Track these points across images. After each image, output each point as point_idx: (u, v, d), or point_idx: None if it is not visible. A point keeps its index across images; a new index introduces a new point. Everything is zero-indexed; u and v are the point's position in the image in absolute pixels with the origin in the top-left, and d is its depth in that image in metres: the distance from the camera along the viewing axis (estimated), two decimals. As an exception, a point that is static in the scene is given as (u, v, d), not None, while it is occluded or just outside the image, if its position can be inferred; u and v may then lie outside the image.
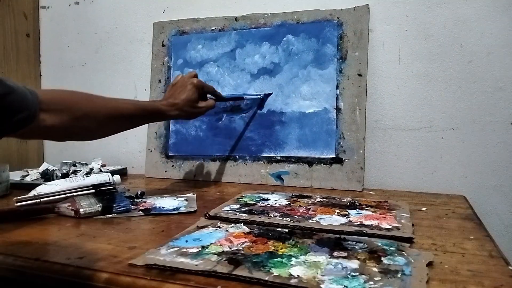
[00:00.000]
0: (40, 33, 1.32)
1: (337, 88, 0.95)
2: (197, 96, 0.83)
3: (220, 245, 0.52)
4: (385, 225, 0.60)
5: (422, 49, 0.93)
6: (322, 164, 0.93)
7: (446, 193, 0.88)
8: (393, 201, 0.76)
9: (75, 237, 0.58)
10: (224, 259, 0.46)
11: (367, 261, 0.46)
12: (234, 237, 0.54)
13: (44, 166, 1.06)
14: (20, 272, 0.49)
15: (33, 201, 0.72)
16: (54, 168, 1.04)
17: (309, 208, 0.70)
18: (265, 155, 0.99)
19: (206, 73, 1.07)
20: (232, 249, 0.50)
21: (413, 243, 0.53)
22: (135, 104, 0.75)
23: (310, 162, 0.94)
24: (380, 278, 0.41)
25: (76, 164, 1.07)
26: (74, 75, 1.28)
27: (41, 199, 0.73)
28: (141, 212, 0.71)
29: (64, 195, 0.74)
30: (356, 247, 0.51)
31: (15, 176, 1.00)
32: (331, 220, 0.63)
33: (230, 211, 0.68)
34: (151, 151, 1.10)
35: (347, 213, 0.67)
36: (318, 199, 0.78)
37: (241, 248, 0.50)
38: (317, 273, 0.43)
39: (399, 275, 0.42)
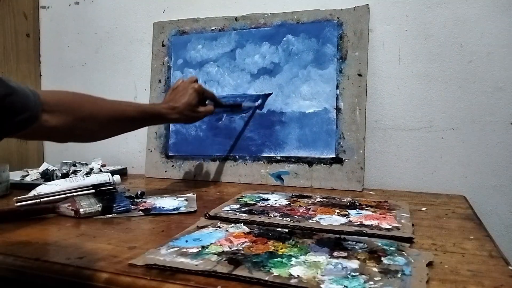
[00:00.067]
0: (40, 33, 1.32)
1: (337, 88, 0.95)
2: (197, 100, 0.84)
3: (220, 245, 0.52)
4: (385, 225, 0.60)
5: (422, 49, 0.93)
6: (322, 164, 0.93)
7: (446, 193, 0.88)
8: (393, 201, 0.76)
9: (75, 237, 0.58)
10: (224, 259, 0.46)
11: (367, 261, 0.46)
12: (234, 237, 0.54)
13: (44, 166, 1.06)
14: (20, 272, 0.49)
15: (33, 201, 0.72)
16: (54, 168, 1.04)
17: (309, 208, 0.70)
18: (265, 155, 0.99)
19: (206, 73, 1.07)
20: (232, 249, 0.50)
21: (413, 243, 0.53)
22: (136, 107, 0.75)
23: (310, 162, 0.94)
24: (380, 278, 0.41)
25: (76, 164, 1.07)
26: (74, 75, 1.28)
27: (41, 199, 0.73)
28: (141, 212, 0.71)
29: (64, 195, 0.74)
30: (356, 247, 0.51)
31: (15, 176, 1.00)
32: (331, 220, 0.63)
33: (230, 211, 0.68)
34: (151, 151, 1.10)
35: (347, 213, 0.67)
36: (318, 199, 0.78)
37: (241, 248, 0.50)
38: (317, 273, 0.43)
39: (399, 275, 0.42)
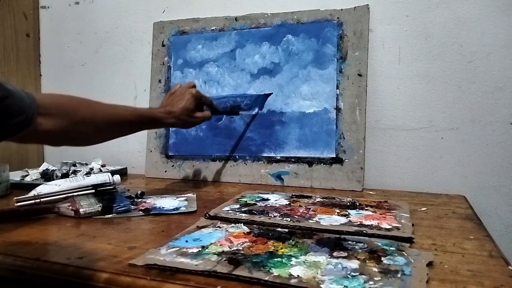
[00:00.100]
0: (40, 33, 1.32)
1: (337, 88, 0.95)
2: (194, 106, 0.84)
3: (220, 245, 0.52)
4: (385, 225, 0.60)
5: (422, 49, 0.93)
6: (322, 164, 0.93)
7: (446, 193, 0.88)
8: (393, 201, 0.76)
9: (75, 237, 0.58)
10: (224, 259, 0.46)
11: (367, 261, 0.46)
12: (234, 237, 0.54)
13: (44, 166, 1.06)
14: (20, 272, 0.49)
15: (33, 201, 0.72)
16: (54, 168, 1.04)
17: (309, 208, 0.70)
18: (265, 155, 0.99)
19: (206, 73, 1.07)
20: (232, 249, 0.50)
21: (413, 243, 0.53)
22: (132, 111, 0.75)
23: (310, 162, 0.94)
24: (380, 278, 0.41)
25: (76, 164, 1.07)
26: (74, 75, 1.28)
27: (41, 199, 0.73)
28: (141, 212, 0.71)
29: (64, 195, 0.74)
30: (356, 247, 0.51)
31: (15, 176, 1.00)
32: (331, 220, 0.63)
33: (230, 211, 0.68)
34: (151, 151, 1.10)
35: (347, 213, 0.67)
36: (318, 199, 0.78)
37: (241, 248, 0.50)
38: (317, 273, 0.43)
39: (399, 275, 0.42)
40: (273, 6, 1.03)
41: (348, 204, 0.73)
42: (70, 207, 0.68)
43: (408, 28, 0.94)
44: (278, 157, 0.98)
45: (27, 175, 1.02)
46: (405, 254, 0.48)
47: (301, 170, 0.95)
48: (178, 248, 0.50)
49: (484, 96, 0.89)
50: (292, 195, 0.82)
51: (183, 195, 0.83)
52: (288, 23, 1.01)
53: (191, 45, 1.10)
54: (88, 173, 0.97)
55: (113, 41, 1.23)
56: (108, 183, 0.78)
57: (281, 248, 0.50)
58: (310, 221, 0.62)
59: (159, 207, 0.73)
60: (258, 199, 0.77)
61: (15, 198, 0.72)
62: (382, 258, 0.47)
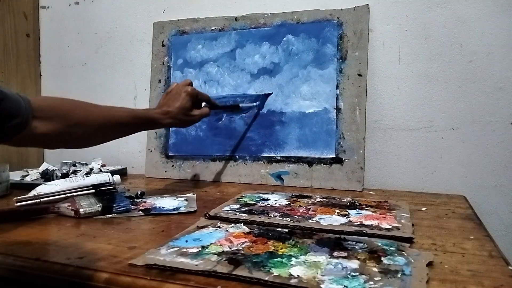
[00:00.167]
0: (40, 33, 1.32)
1: (337, 88, 0.95)
2: (191, 104, 0.83)
3: (220, 245, 0.52)
4: (385, 225, 0.60)
5: (422, 49, 0.93)
6: (322, 164, 0.93)
7: (446, 193, 0.88)
8: (393, 201, 0.76)
9: (75, 237, 0.58)
10: (224, 259, 0.46)
11: (367, 261, 0.46)
12: (234, 237, 0.54)
13: (44, 166, 1.06)
14: (20, 272, 0.49)
15: (33, 201, 0.72)
16: (54, 168, 1.04)
17: (309, 208, 0.70)
18: (265, 155, 0.99)
19: (206, 73, 1.07)
20: (232, 249, 0.50)
21: (413, 243, 0.53)
22: (129, 112, 0.75)
23: (310, 162, 0.94)
24: (380, 278, 0.41)
25: (76, 164, 1.07)
26: (74, 75, 1.28)
27: (41, 199, 0.73)
28: (141, 212, 0.71)
29: (64, 195, 0.74)
30: (356, 247, 0.51)
31: (15, 176, 1.00)
32: (331, 220, 0.63)
33: (230, 211, 0.68)
34: (151, 151, 1.11)
35: (347, 213, 0.67)
36: (318, 199, 0.78)
37: (241, 248, 0.50)
38: (317, 273, 0.43)
39: (399, 275, 0.42)
40: (273, 6, 1.04)
41: (348, 204, 0.73)
42: (70, 207, 0.68)
43: (408, 28, 0.94)
44: (278, 157, 0.98)
45: (27, 175, 1.02)
46: (405, 254, 0.48)
47: (301, 170, 0.95)
48: (178, 248, 0.50)
49: (484, 96, 0.89)
50: (292, 195, 0.82)
51: (183, 195, 0.83)
52: (288, 23, 1.01)
53: (191, 45, 1.10)
54: (88, 173, 0.97)
55: (113, 41, 1.23)
56: (108, 183, 0.78)
57: (281, 248, 0.50)
58: (310, 221, 0.62)
59: (159, 207, 0.73)
60: (258, 199, 0.77)
61: (15, 198, 0.72)
62: (382, 258, 0.47)
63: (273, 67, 1.01)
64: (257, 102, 1.00)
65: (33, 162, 1.26)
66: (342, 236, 0.55)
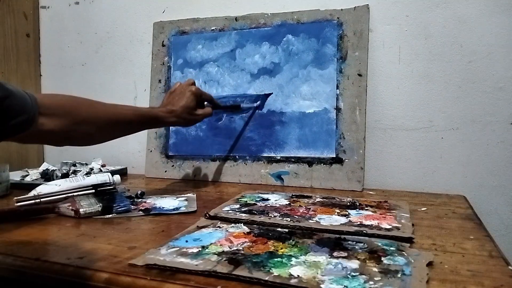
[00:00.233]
0: (40, 33, 1.32)
1: (337, 88, 0.95)
2: (195, 103, 0.84)
3: (220, 245, 0.52)
4: (385, 225, 0.60)
5: (422, 49, 0.93)
6: (322, 164, 0.93)
7: (446, 193, 0.88)
8: (393, 201, 0.76)
9: (75, 237, 0.58)
10: (224, 259, 0.46)
11: (367, 261, 0.46)
12: (234, 237, 0.54)
13: (44, 166, 1.06)
14: (20, 272, 0.49)
15: (33, 201, 0.72)
16: (54, 168, 1.04)
17: (309, 208, 0.70)
18: (265, 155, 0.99)
19: (206, 73, 1.07)
20: (232, 249, 0.50)
21: (413, 243, 0.53)
22: (134, 110, 0.75)
23: (310, 162, 0.94)
24: (380, 278, 0.41)
25: (76, 164, 1.07)
26: (74, 75, 1.28)
27: (41, 199, 0.73)
28: (141, 212, 0.71)
29: (64, 195, 0.74)
30: (356, 247, 0.51)
31: (15, 176, 1.00)
32: (331, 220, 0.63)
33: (230, 211, 0.68)
34: (151, 151, 1.10)
35: (347, 213, 0.67)
36: (318, 199, 0.78)
37: (241, 248, 0.50)
38: (317, 273, 0.43)
39: (399, 275, 0.42)
40: (273, 6, 1.04)
41: (348, 204, 0.73)
42: (70, 207, 0.68)
43: (408, 28, 0.94)
44: (278, 157, 0.98)
45: (27, 175, 1.02)
46: (405, 254, 0.48)
47: (301, 170, 0.95)
48: (178, 248, 0.50)
49: (484, 96, 0.89)
50: (292, 195, 0.82)
51: (183, 195, 0.83)
52: (288, 23, 1.01)
53: (191, 45, 1.10)
54: (88, 173, 0.97)
55: (113, 41, 1.23)
56: (108, 183, 0.78)
57: (281, 248, 0.50)
58: (310, 221, 0.62)
59: (159, 207, 0.73)
60: (258, 199, 0.77)
61: (15, 198, 0.72)
62: (382, 258, 0.47)
63: (273, 67, 1.01)
64: (258, 102, 1.00)
65: (33, 162, 1.26)
66: (342, 236, 0.55)
